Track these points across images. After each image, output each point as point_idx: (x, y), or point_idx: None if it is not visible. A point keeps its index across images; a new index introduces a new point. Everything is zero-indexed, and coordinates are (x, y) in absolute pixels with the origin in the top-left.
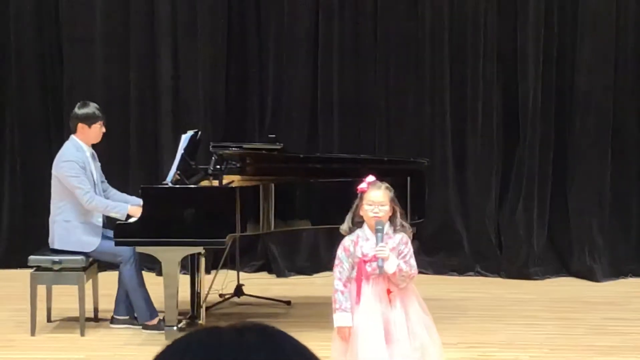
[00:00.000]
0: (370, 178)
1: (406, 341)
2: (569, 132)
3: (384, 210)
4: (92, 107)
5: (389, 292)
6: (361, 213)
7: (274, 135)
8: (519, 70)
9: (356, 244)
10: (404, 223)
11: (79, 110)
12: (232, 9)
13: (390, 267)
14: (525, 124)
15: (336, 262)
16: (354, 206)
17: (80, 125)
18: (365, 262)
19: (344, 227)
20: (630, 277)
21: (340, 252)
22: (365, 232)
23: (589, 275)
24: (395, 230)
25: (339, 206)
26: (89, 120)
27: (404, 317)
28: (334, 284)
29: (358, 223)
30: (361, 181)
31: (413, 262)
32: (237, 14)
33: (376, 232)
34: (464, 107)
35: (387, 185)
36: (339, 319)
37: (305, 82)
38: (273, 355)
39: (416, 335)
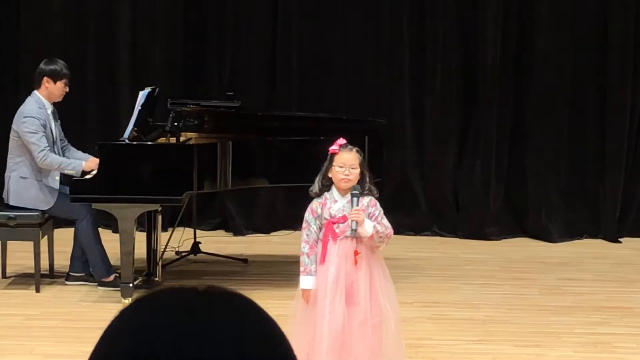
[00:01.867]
0: (341, 140)
1: (367, 304)
2: (527, 92)
3: (355, 173)
4: (59, 64)
5: (356, 253)
6: (330, 175)
7: (231, 93)
8: (478, 29)
9: (324, 206)
10: (372, 187)
11: (45, 66)
12: None
13: (367, 229)
14: (484, 83)
15: (304, 224)
16: (324, 168)
17: (45, 79)
18: (333, 222)
19: (315, 189)
20: (585, 237)
21: (307, 214)
22: (333, 194)
23: (544, 235)
24: (363, 194)
25: (297, 165)
26: (55, 76)
27: (368, 280)
28: (301, 246)
29: (326, 186)
30: (320, 140)
31: (386, 221)
32: None
33: (352, 196)
34: (422, 67)
35: (357, 149)
36: (303, 281)
37: (264, 40)
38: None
39: (378, 300)
